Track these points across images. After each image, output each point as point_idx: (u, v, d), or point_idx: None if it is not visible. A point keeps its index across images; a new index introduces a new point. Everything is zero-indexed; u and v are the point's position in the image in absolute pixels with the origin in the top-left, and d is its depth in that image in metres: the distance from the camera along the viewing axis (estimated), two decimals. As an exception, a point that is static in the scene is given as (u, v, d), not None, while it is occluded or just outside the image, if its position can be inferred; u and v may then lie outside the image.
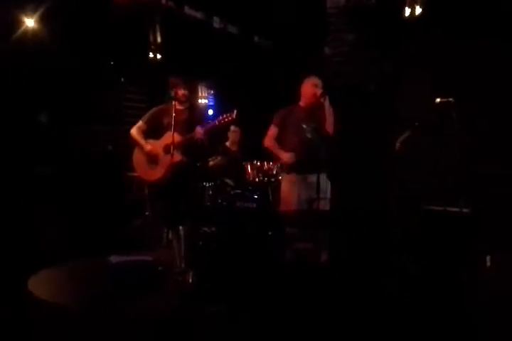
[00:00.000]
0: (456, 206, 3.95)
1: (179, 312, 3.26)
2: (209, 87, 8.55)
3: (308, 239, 4.09)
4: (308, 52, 6.14)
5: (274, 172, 4.95)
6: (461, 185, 4.02)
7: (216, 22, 6.94)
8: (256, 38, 7.55)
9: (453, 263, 3.79)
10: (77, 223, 5.53)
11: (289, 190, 4.32)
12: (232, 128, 6.14)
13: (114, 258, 3.94)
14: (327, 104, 4.12)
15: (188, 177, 4.33)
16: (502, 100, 4.72)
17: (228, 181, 5.24)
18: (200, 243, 4.39)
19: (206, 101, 8.58)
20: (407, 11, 4.78)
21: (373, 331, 2.75)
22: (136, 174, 4.65)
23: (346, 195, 3.81)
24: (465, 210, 3.90)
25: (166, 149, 4.15)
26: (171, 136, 4.06)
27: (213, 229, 4.58)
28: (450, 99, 3.93)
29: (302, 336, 2.97)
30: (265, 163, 4.92)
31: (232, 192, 4.89)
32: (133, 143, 4.37)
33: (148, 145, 4.26)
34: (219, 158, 5.63)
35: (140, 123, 4.36)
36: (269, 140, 4.50)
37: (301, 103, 4.44)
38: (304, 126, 4.08)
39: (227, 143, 6.24)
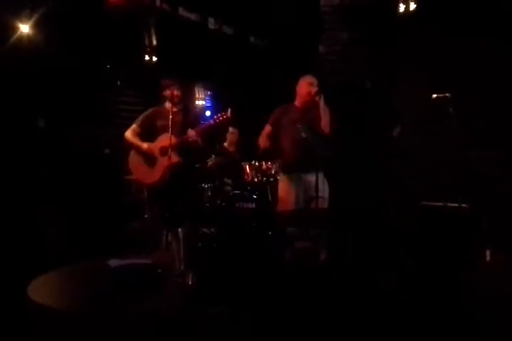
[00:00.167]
0: (454, 202, 3.94)
1: (181, 313, 3.24)
2: (206, 88, 8.55)
3: (307, 238, 4.08)
4: (303, 51, 6.14)
5: (273, 172, 4.94)
6: (458, 180, 4.01)
7: (211, 23, 6.95)
8: (251, 38, 7.55)
9: (451, 259, 3.78)
10: (76, 226, 5.53)
11: (287, 189, 4.31)
12: (231, 129, 6.16)
13: (113, 262, 3.92)
14: (322, 103, 4.11)
15: (186, 178, 4.31)
16: (498, 96, 4.72)
17: (227, 181, 5.22)
18: (200, 244, 4.38)
19: (203, 102, 8.58)
20: (402, 7, 4.78)
21: (373, 329, 2.74)
22: (133, 177, 4.64)
23: (344, 193, 3.81)
24: (463, 205, 3.88)
25: (162, 151, 4.14)
26: (166, 138, 4.05)
27: (212, 230, 4.57)
28: (447, 95, 3.92)
29: (304, 335, 2.96)
30: (263, 162, 4.91)
31: (231, 193, 4.88)
32: (128, 147, 4.34)
33: (145, 144, 4.24)
34: (217, 158, 5.63)
35: (134, 126, 4.32)
36: (262, 139, 4.48)
37: (297, 102, 4.43)
38: (299, 125, 4.07)
39: (225, 144, 6.24)
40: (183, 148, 4.16)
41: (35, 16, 5.68)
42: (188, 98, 8.12)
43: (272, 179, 4.90)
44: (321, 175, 4.02)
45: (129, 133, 4.30)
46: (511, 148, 4.51)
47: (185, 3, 6.65)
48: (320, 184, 3.95)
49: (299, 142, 4.17)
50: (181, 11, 6.61)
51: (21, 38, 5.72)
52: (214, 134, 4.71)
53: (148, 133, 4.27)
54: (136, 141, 4.27)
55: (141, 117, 4.36)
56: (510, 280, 3.62)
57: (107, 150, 6.95)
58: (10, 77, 5.81)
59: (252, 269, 3.88)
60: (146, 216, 5.78)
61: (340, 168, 3.51)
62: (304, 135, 4.07)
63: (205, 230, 4.57)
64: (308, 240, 4.08)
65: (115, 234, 5.48)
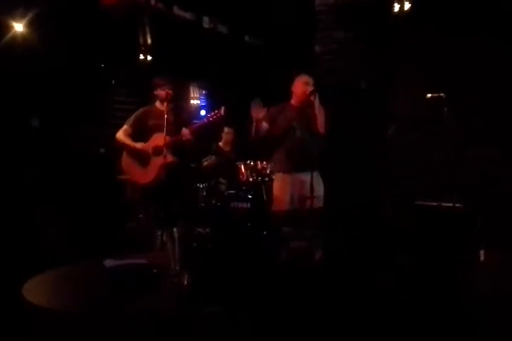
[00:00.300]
0: (449, 201, 3.94)
1: (177, 313, 3.24)
2: (201, 88, 8.53)
3: (302, 238, 4.08)
4: (298, 50, 6.13)
5: (268, 171, 4.94)
6: (454, 180, 4.02)
7: (206, 22, 6.93)
8: (246, 37, 7.54)
9: (447, 258, 3.78)
10: (71, 226, 5.51)
11: (282, 188, 4.30)
12: (226, 129, 6.13)
13: (108, 262, 3.91)
14: (317, 102, 4.10)
15: (180, 178, 4.29)
16: (495, 95, 4.73)
17: (222, 181, 5.22)
18: (195, 244, 4.37)
19: (198, 101, 8.57)
20: (396, 7, 4.78)
21: (369, 328, 2.74)
22: (127, 177, 4.62)
23: (340, 192, 3.81)
24: (457, 205, 3.89)
25: (156, 151, 4.10)
26: (158, 138, 4.01)
27: (207, 229, 4.57)
28: (441, 94, 3.93)
29: (299, 335, 2.96)
30: (258, 162, 4.90)
31: (226, 193, 4.87)
32: (120, 147, 4.28)
33: (139, 144, 4.20)
34: (213, 158, 5.61)
35: (125, 126, 4.25)
36: (258, 122, 4.40)
37: (293, 101, 4.41)
38: (295, 124, 4.05)
39: (221, 144, 6.23)
40: (177, 147, 4.13)
41: (29, 15, 5.66)
42: (182, 97, 8.11)
43: (266, 179, 4.90)
44: (315, 175, 4.02)
45: (120, 134, 4.25)
46: (508, 147, 4.52)
47: (180, 2, 6.63)
48: (315, 183, 3.94)
49: (295, 141, 4.16)
50: (176, 10, 6.59)
51: (15, 37, 5.70)
52: (209, 133, 4.68)
53: (139, 133, 4.23)
54: (129, 141, 4.21)
55: (132, 117, 4.30)
56: (506, 279, 3.63)
57: (103, 150, 6.92)
58: (3, 76, 5.79)
59: (247, 269, 3.88)
60: (140, 216, 5.77)
61: (337, 167, 3.51)
62: (299, 134, 4.06)
63: (200, 230, 4.57)
64: (303, 240, 4.08)
65: (110, 234, 5.47)
